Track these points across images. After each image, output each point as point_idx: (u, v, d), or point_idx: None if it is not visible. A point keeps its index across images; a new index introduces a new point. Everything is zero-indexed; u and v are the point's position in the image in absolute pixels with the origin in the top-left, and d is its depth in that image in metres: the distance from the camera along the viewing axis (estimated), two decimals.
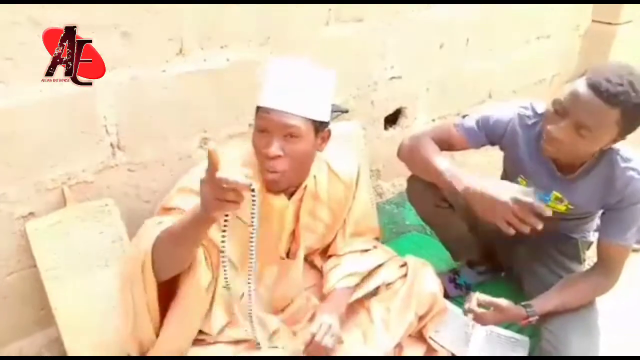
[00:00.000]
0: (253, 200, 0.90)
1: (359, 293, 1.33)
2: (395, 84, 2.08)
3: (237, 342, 1.18)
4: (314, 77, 1.12)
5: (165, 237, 0.99)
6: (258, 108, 1.12)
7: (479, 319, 1.32)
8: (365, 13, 1.82)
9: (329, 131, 1.20)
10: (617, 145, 1.27)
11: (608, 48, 2.81)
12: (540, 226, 1.10)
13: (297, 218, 1.28)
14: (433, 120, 2.33)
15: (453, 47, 2.22)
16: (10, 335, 1.42)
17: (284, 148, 1.10)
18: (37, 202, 1.32)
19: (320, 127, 1.15)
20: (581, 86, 1.14)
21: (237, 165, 0.89)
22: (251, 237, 0.98)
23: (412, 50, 2.05)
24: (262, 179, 1.15)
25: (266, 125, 1.09)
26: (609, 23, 2.78)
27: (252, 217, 0.95)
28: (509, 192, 1.14)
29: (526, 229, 1.12)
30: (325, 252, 1.43)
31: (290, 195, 1.24)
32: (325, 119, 1.16)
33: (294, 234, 1.31)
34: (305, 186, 1.25)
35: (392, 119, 2.22)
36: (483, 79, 2.46)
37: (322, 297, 1.34)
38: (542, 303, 1.32)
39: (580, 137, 1.16)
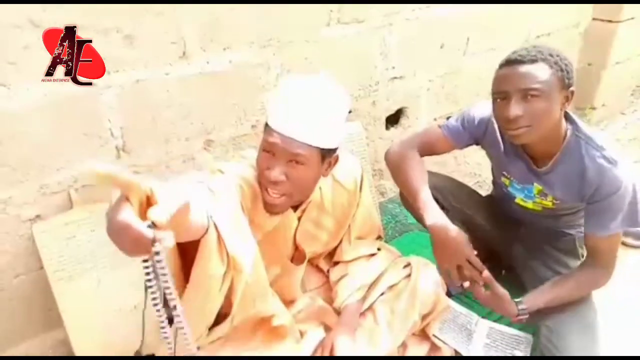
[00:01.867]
0: (160, 267, 0.69)
1: (367, 304, 1.35)
2: (397, 84, 2.09)
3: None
4: (327, 103, 1.08)
5: None
6: (267, 125, 1.10)
7: (476, 290, 1.32)
8: (366, 14, 1.83)
9: (337, 157, 1.18)
10: (590, 134, 1.27)
11: (608, 46, 2.80)
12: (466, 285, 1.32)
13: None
14: (434, 119, 2.34)
15: (454, 47, 2.22)
16: (17, 336, 1.43)
17: (287, 173, 1.08)
18: (44, 204, 1.34)
19: (327, 154, 1.13)
20: (500, 70, 1.24)
21: (169, 198, 0.67)
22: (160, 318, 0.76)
23: (413, 50, 2.06)
24: (261, 198, 1.14)
25: (272, 148, 1.07)
26: (610, 21, 2.77)
27: (166, 289, 0.72)
28: (467, 248, 1.26)
29: (461, 284, 1.32)
30: (331, 256, 1.44)
31: (296, 207, 1.24)
32: (334, 146, 1.14)
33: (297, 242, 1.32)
34: (311, 200, 1.25)
35: (393, 119, 2.23)
36: (484, 78, 2.46)
37: (328, 299, 1.37)
38: (533, 299, 1.32)
39: (533, 99, 1.18)
